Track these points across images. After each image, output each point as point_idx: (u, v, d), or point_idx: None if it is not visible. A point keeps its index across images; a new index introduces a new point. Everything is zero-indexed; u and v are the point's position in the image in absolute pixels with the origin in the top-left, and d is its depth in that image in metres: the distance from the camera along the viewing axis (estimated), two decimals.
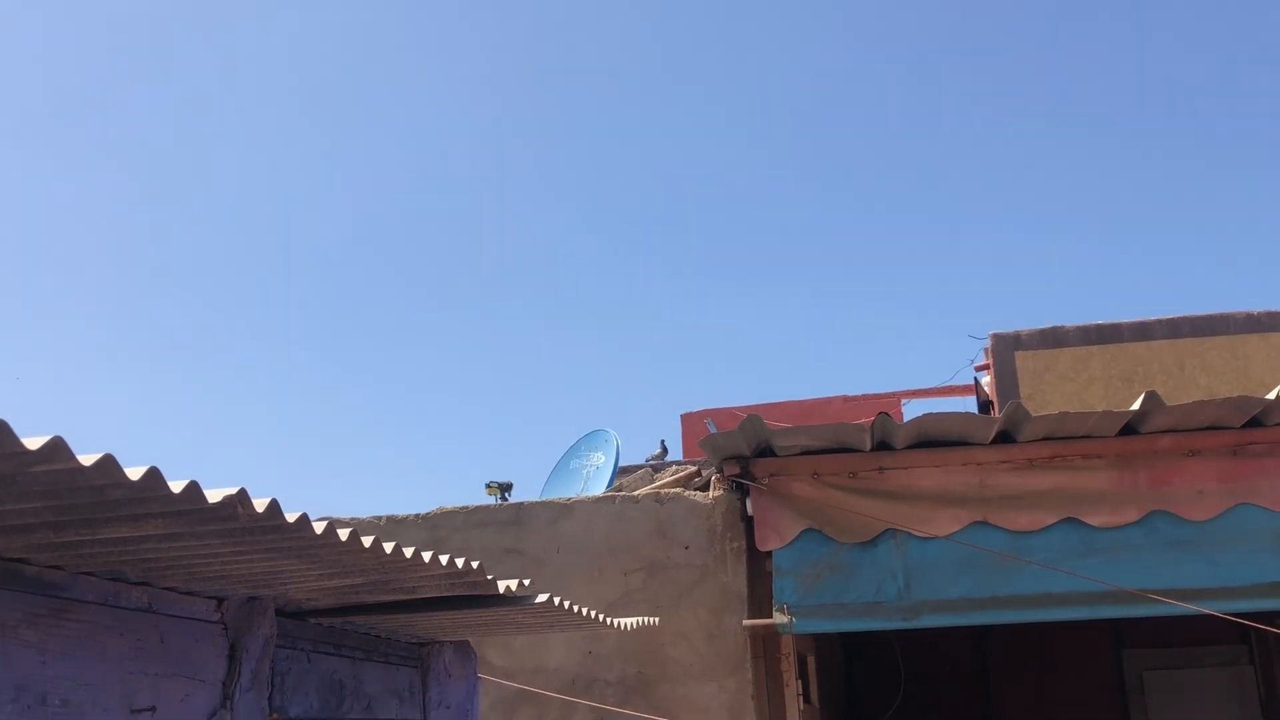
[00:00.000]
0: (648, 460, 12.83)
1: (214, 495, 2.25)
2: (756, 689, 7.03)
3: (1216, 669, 10.60)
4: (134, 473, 2.07)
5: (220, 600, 3.34)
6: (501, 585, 3.56)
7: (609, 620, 4.40)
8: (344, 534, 2.67)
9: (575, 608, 3.99)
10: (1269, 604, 6.65)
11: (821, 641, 8.99)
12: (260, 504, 2.36)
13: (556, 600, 3.77)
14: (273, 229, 31.87)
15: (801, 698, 7.71)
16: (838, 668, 10.67)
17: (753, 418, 6.75)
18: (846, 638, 10.38)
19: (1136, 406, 6.55)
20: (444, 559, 3.14)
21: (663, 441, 11.88)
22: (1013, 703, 11.11)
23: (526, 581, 3.71)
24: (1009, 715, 11.11)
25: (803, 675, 8.06)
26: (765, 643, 7.24)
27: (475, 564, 3.30)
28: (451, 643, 4.75)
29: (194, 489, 2.19)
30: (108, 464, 1.99)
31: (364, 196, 32.33)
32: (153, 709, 2.98)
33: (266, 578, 3.09)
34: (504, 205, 33.51)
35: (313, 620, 3.86)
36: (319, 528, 2.58)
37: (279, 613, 3.64)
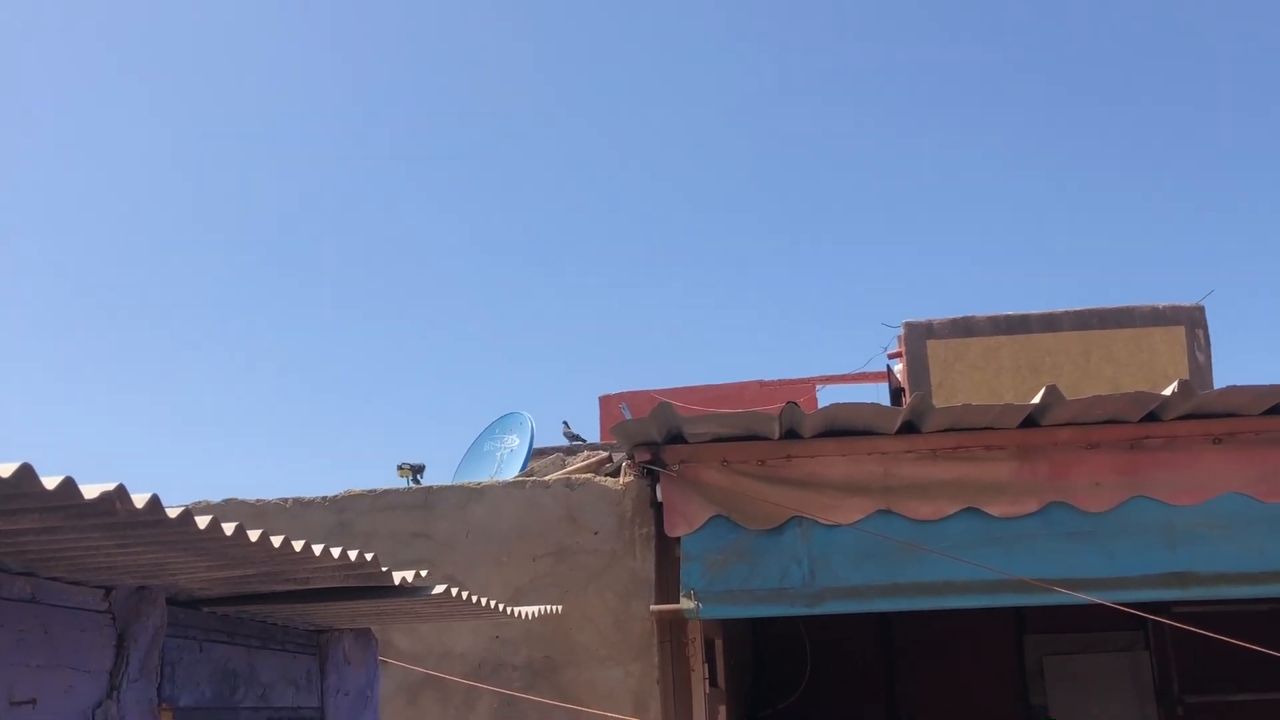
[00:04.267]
0: (573, 445, 12.81)
1: (90, 491, 2.21)
2: (662, 674, 7.07)
3: (1113, 654, 10.84)
4: (5, 469, 2.03)
5: (108, 590, 3.29)
6: (398, 576, 3.54)
7: (509, 610, 4.39)
8: (229, 528, 2.64)
9: (474, 598, 3.98)
10: (1160, 594, 6.81)
11: (730, 624, 9.06)
12: (140, 499, 2.33)
13: (454, 591, 3.76)
14: (172, 199, 31.32)
15: (707, 681, 7.77)
16: (746, 649, 10.77)
17: (664, 405, 6.77)
18: (755, 620, 10.46)
19: (1038, 400, 6.66)
20: (335, 551, 3.11)
21: (565, 423, 11.73)
22: (916, 684, 11.28)
23: (424, 572, 3.70)
24: (913, 697, 11.28)
25: (709, 659, 8.12)
26: (672, 627, 7.28)
27: (370, 556, 3.28)
28: (352, 630, 4.72)
29: (69, 485, 2.14)
30: None
31: (268, 162, 31.85)
32: (33, 701, 2.92)
33: (154, 569, 3.05)
34: (407, 179, 33.25)
35: (206, 609, 3.82)
36: (202, 522, 2.55)
37: (170, 601, 3.59)
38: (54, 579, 3.06)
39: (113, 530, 2.49)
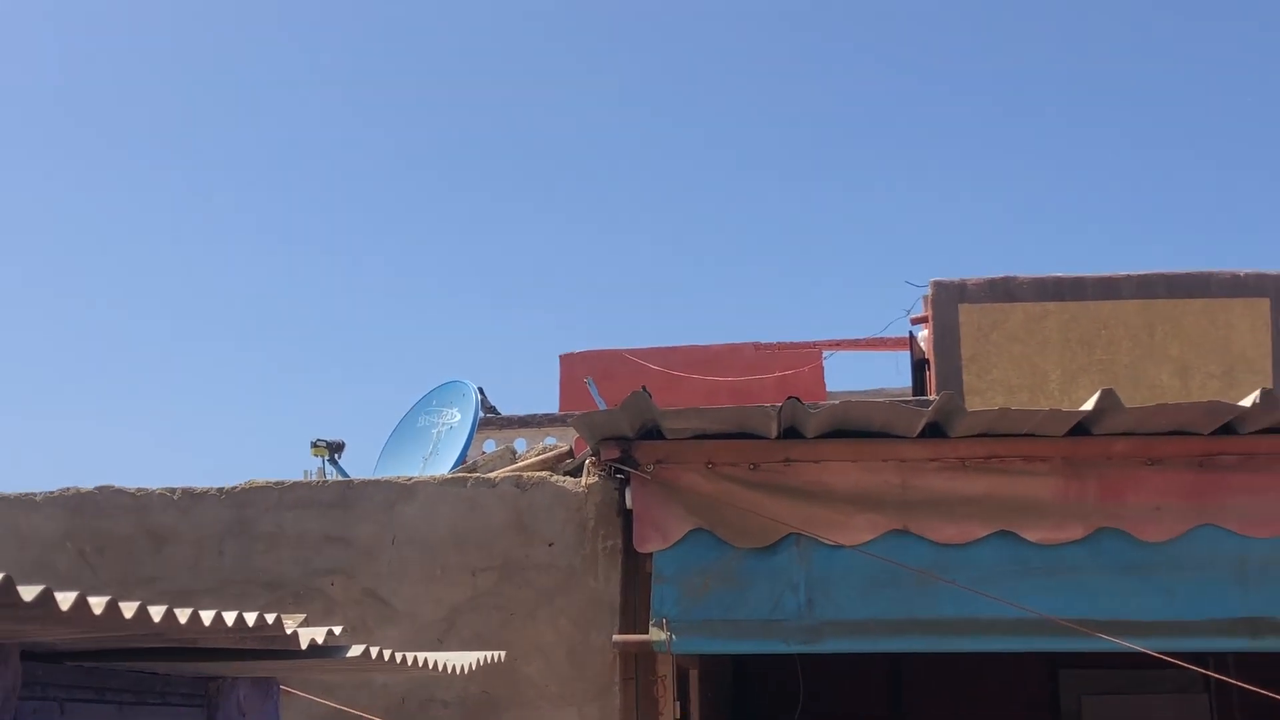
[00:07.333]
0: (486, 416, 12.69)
1: None
2: (624, 718, 7.09)
3: (1165, 696, 10.95)
4: None
5: None
6: (305, 637, 3.51)
7: (439, 665, 4.38)
8: (98, 605, 2.60)
9: (397, 656, 3.96)
10: (1228, 644, 6.87)
11: (709, 655, 9.08)
12: None
13: (373, 653, 3.74)
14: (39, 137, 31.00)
15: None
16: (726, 679, 10.83)
17: (638, 394, 6.73)
18: None
19: (1090, 405, 6.67)
20: (229, 617, 3.08)
21: (479, 390, 11.35)
22: None
23: (338, 630, 3.67)
24: None
25: (682, 695, 8.16)
26: (638, 661, 7.30)
27: (271, 618, 3.24)
28: (249, 677, 4.70)
29: None
30: None
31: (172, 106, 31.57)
32: None
33: (6, 635, 3.01)
34: (333, 101, 32.99)
35: (70, 662, 3.78)
36: (65, 601, 2.51)
37: (26, 655, 3.55)
38: None
39: None
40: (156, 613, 2.81)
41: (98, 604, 2.59)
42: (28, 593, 2.39)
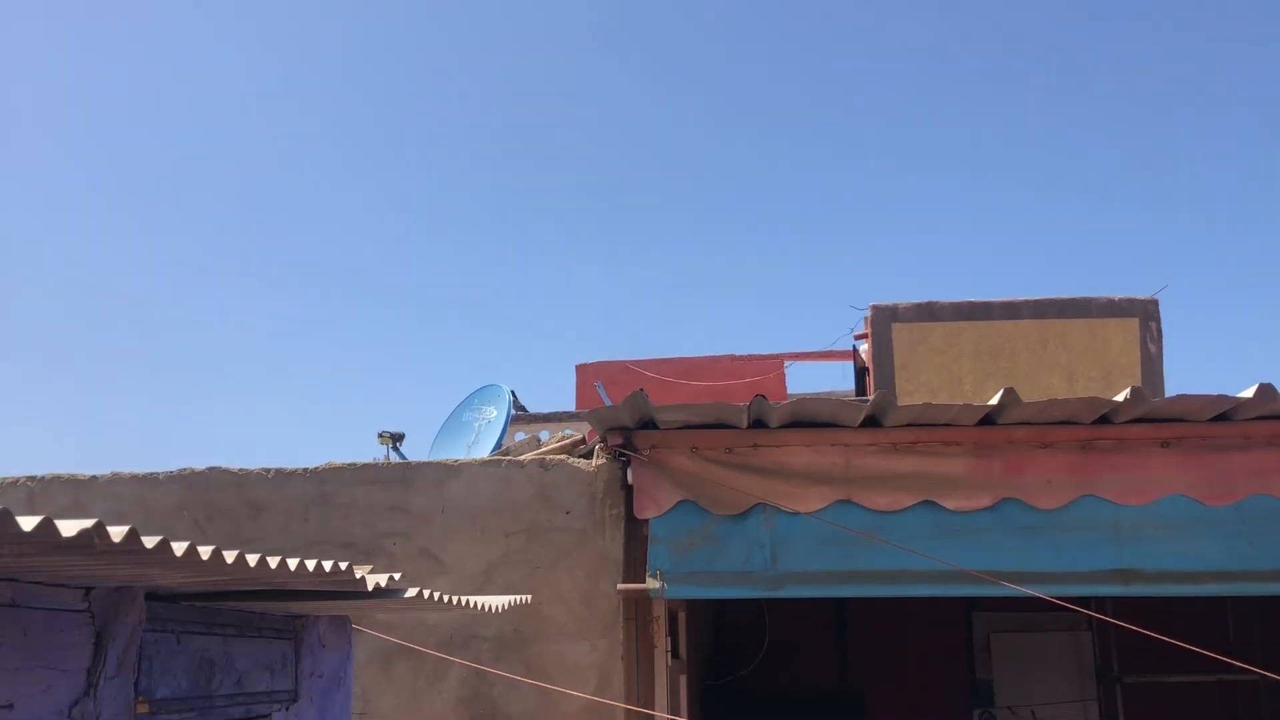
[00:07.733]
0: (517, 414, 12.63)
1: (68, 529, 2.18)
2: (626, 650, 7.09)
3: (1058, 634, 10.95)
4: None
5: (88, 590, 3.26)
6: (371, 581, 3.52)
7: (478, 604, 4.39)
8: (205, 552, 2.61)
9: (444, 597, 3.97)
10: (1105, 590, 6.86)
11: (694, 599, 9.07)
12: (117, 533, 2.30)
13: (425, 594, 3.75)
14: (135, 138, 30.97)
15: (669, 654, 7.80)
16: (708, 619, 10.82)
17: (637, 394, 6.74)
18: None
19: (995, 400, 6.67)
20: (310, 564, 3.09)
21: (512, 392, 11.36)
22: (868, 656, 11.37)
23: (397, 575, 3.68)
24: (865, 668, 11.38)
25: (672, 632, 8.14)
26: (638, 605, 7.29)
27: (345, 565, 3.26)
28: (327, 615, 4.70)
29: (46, 525, 2.11)
30: None
31: (238, 114, 31.56)
32: (10, 706, 2.89)
33: (133, 577, 3.02)
34: (391, 132, 32.97)
35: (184, 602, 3.79)
36: (179, 548, 2.52)
37: (149, 596, 3.56)
38: (34, 582, 3.02)
39: (92, 555, 2.46)
40: (252, 559, 2.82)
41: (205, 551, 2.61)
42: (149, 541, 2.41)
